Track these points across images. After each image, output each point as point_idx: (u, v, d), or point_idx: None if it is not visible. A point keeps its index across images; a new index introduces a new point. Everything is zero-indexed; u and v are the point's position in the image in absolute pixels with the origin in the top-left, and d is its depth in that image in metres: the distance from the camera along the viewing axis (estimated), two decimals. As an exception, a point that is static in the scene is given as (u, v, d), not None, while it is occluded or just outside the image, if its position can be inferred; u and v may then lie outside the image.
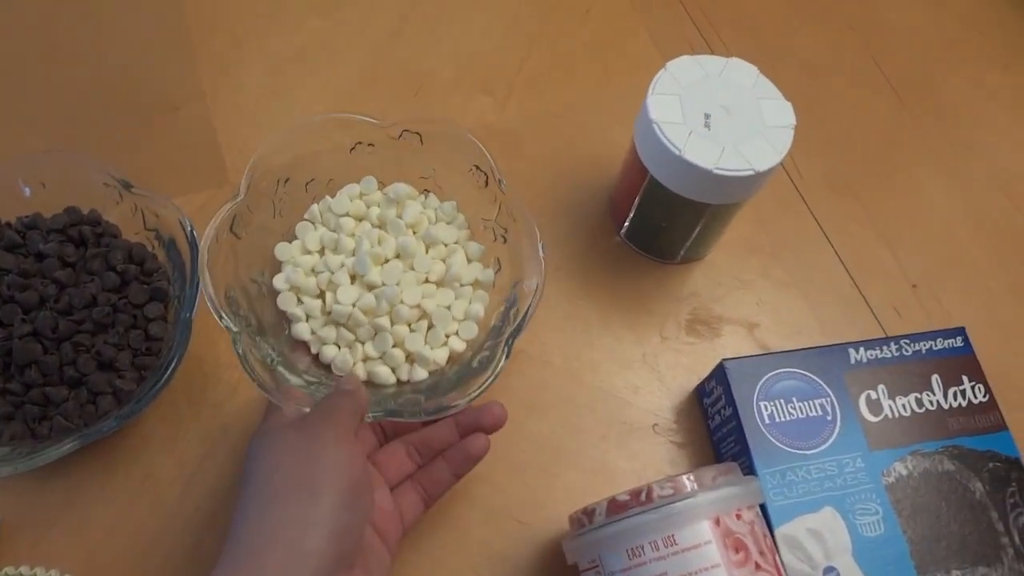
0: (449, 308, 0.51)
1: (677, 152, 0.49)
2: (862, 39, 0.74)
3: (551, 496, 0.51)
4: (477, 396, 0.45)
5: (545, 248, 0.49)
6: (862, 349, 0.52)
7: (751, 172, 0.49)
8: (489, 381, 0.45)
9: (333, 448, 0.39)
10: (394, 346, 0.50)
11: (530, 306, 0.48)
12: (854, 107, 0.70)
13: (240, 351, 0.44)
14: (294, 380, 0.46)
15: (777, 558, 0.42)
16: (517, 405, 0.53)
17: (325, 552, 0.36)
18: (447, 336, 0.51)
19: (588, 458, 0.53)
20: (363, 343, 0.50)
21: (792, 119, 0.51)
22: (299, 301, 0.51)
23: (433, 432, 0.48)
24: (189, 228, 0.49)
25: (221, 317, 0.44)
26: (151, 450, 0.51)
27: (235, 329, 0.44)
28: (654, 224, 0.57)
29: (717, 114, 0.51)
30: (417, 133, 0.53)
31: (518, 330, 0.47)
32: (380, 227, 0.53)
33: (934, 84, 0.72)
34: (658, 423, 0.54)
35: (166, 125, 0.63)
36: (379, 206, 0.54)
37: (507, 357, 0.46)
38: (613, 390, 0.55)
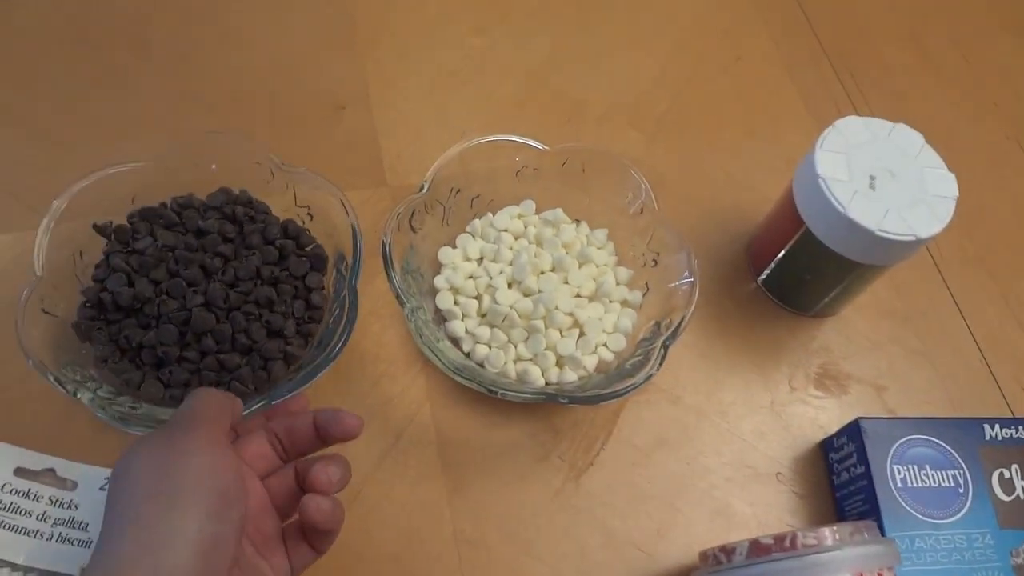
0: (600, 320, 0.53)
1: (841, 209, 0.50)
2: (1006, 118, 0.74)
3: (672, 529, 0.52)
4: (627, 393, 0.47)
5: (696, 262, 0.52)
6: (997, 426, 0.52)
7: (912, 238, 0.50)
8: (641, 381, 0.47)
9: (198, 454, 0.36)
10: (546, 349, 0.52)
11: (685, 317, 0.51)
12: (993, 185, 0.70)
13: (413, 326, 0.47)
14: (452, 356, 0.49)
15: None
16: (646, 436, 0.55)
17: (191, 568, 0.32)
18: (597, 345, 0.53)
19: (710, 497, 0.53)
20: (516, 345, 0.52)
21: (955, 191, 0.52)
22: (456, 302, 0.54)
23: (294, 423, 0.43)
24: (348, 207, 0.52)
25: (399, 296, 0.48)
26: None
27: (415, 303, 0.48)
28: (797, 276, 0.58)
29: (882, 177, 0.52)
30: (581, 163, 0.56)
31: (675, 334, 0.50)
32: (537, 244, 0.56)
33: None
34: (782, 472, 0.54)
35: (330, 121, 0.66)
36: (535, 227, 0.57)
37: (661, 363, 0.48)
38: (740, 433, 0.56)
